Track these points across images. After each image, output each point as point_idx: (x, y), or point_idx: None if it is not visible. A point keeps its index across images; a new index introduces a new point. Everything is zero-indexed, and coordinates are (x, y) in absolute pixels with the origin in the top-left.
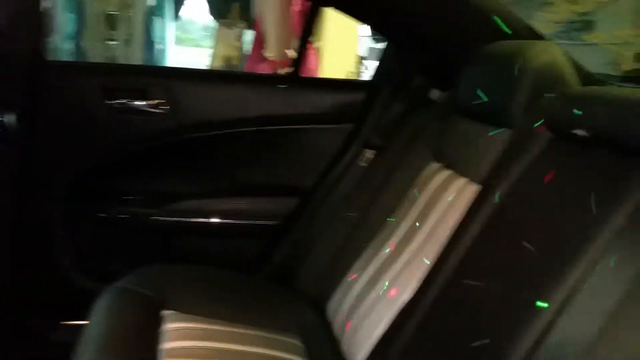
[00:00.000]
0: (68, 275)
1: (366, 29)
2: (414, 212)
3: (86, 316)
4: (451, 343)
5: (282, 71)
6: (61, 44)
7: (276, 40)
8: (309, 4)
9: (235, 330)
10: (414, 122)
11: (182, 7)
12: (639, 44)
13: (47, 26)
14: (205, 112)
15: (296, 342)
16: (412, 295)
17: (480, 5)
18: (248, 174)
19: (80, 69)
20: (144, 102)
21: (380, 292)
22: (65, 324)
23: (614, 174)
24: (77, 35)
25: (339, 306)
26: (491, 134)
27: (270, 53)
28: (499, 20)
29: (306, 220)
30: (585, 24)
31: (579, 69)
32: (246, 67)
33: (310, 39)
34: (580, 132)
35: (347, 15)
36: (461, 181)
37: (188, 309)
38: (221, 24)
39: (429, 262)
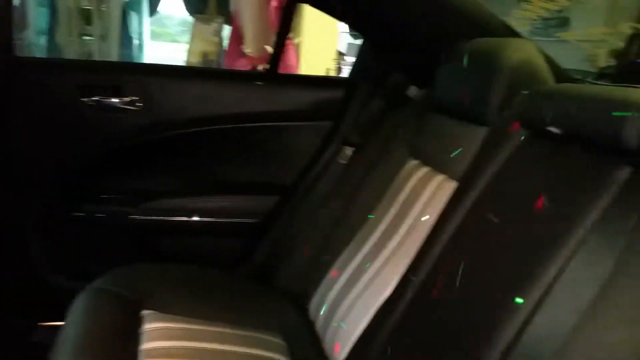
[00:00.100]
0: (45, 275)
1: (346, 25)
2: (394, 209)
3: (63, 317)
4: (430, 340)
5: (261, 67)
6: (34, 40)
7: (254, 36)
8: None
9: (216, 329)
10: (392, 120)
11: (159, 2)
12: (612, 42)
13: (19, 21)
14: (180, 109)
15: (278, 340)
16: (391, 293)
17: (456, 2)
18: (227, 171)
19: (53, 65)
20: (118, 100)
21: (361, 289)
22: (43, 325)
23: (587, 170)
24: (51, 31)
25: (321, 304)
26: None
27: (248, 49)
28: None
29: (286, 218)
30: (561, 21)
31: (553, 66)
32: (224, 63)
33: (288, 35)
34: (553, 129)
35: (323, 12)
36: (439, 178)
37: (168, 309)
38: (198, 19)
39: (408, 260)
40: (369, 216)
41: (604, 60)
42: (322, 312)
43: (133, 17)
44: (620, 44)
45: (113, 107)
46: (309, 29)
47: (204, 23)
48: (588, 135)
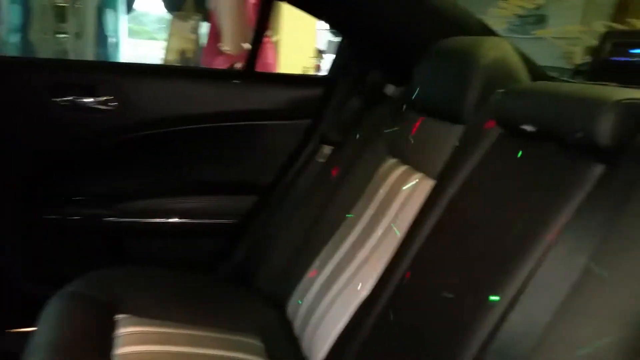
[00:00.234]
0: (15, 280)
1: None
2: (372, 207)
3: (34, 323)
4: (407, 340)
5: (240, 65)
6: (7, 38)
7: (232, 34)
8: None
9: (192, 332)
10: (371, 118)
11: None
12: (587, 40)
13: None
14: (156, 108)
15: (255, 342)
16: (369, 292)
17: (433, 1)
18: (204, 171)
19: (25, 64)
20: (93, 99)
21: (340, 289)
22: (11, 332)
23: (561, 168)
24: (24, 28)
25: (299, 304)
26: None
27: (226, 46)
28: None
29: (264, 218)
30: (539, 18)
31: (529, 64)
32: (202, 61)
33: (266, 33)
34: (528, 127)
35: (300, 9)
36: (417, 176)
37: (143, 312)
38: (175, 16)
39: (386, 259)
40: (348, 215)
41: (580, 58)
42: (300, 313)
43: (109, 15)
44: (595, 42)
45: (87, 107)
46: (287, 26)
47: (181, 20)
48: (562, 133)
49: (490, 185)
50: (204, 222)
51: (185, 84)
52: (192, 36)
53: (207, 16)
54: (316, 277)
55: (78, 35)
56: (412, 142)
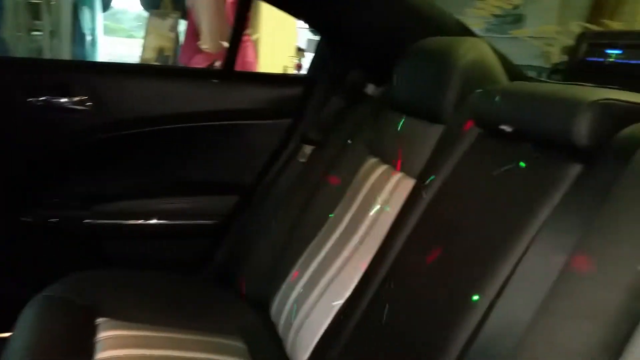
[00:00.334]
0: None
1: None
2: (353, 207)
3: (11, 328)
4: (390, 341)
5: (219, 63)
6: None
7: (211, 32)
8: None
9: (175, 335)
10: (351, 117)
11: None
12: (563, 40)
13: None
14: (133, 108)
15: (238, 344)
16: (352, 293)
17: (411, 1)
18: (184, 172)
19: None
20: (67, 99)
21: (322, 290)
22: None
23: (539, 168)
24: None
25: (282, 306)
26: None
27: (205, 45)
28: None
29: (246, 219)
30: (516, 18)
31: (507, 64)
32: (180, 59)
33: (244, 31)
34: (506, 127)
35: (278, 8)
36: (398, 176)
37: (124, 316)
38: (153, 14)
39: (368, 259)
40: (329, 215)
41: (557, 57)
42: (283, 314)
43: (85, 12)
44: (571, 42)
45: (62, 107)
46: (267, 24)
47: (159, 18)
48: (539, 133)
49: (470, 185)
50: (184, 223)
51: (162, 83)
52: (171, 34)
53: (185, 14)
54: (299, 277)
55: (53, 33)
56: (392, 141)
